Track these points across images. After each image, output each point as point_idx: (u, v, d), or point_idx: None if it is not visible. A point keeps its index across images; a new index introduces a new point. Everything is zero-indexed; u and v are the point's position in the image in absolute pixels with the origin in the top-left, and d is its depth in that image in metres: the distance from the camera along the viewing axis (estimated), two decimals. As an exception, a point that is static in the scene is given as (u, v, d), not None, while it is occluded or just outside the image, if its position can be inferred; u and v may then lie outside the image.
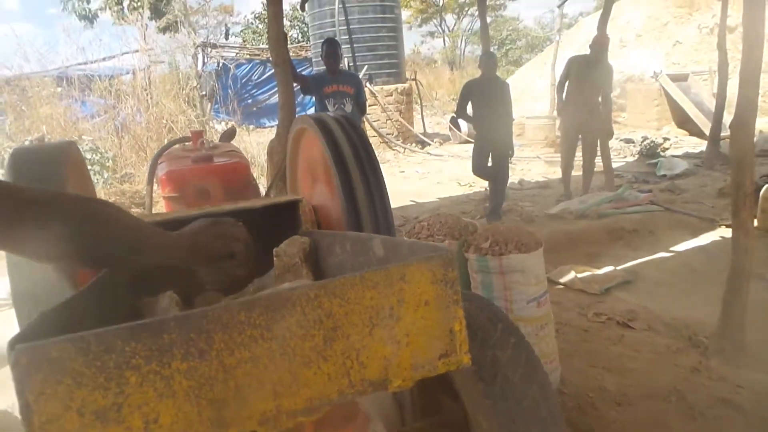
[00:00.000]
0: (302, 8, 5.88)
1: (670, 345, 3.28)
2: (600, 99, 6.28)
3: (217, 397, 0.63)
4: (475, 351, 1.69)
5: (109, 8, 13.99)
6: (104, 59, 11.71)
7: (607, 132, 6.47)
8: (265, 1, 4.22)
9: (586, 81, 6.12)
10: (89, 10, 15.49)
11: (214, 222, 1.04)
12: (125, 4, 14.25)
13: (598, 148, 6.60)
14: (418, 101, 13.47)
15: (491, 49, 6.38)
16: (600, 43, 6.19)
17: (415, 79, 13.38)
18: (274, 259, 1.23)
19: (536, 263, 2.38)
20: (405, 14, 30.74)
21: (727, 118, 11.13)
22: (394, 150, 11.47)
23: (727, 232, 4.98)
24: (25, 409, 0.56)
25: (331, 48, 5.15)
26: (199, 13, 16.67)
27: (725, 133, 9.72)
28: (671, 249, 5.10)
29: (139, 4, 13.27)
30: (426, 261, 0.74)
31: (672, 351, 3.21)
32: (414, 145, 11.91)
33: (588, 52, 6.27)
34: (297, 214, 1.51)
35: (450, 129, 12.76)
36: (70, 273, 1.23)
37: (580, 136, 6.46)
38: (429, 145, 12.02)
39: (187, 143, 2.82)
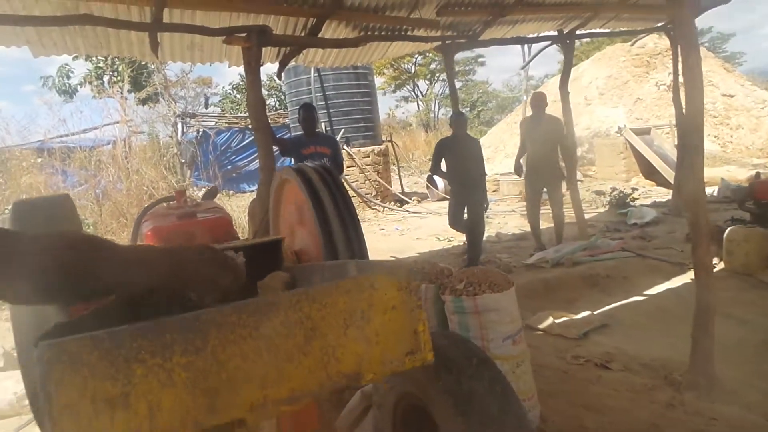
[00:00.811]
0: (279, 77, 6.14)
1: (647, 383, 3.37)
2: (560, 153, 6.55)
3: (211, 387, 0.72)
4: (451, 384, 1.79)
5: (89, 83, 14.33)
6: (84, 131, 11.92)
7: (559, 175, 6.60)
8: (243, 71, 4.47)
9: (538, 137, 6.36)
10: (69, 85, 15.84)
11: (212, 249, 1.10)
12: (105, 78, 14.62)
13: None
14: (395, 162, 13.81)
15: (462, 111, 6.69)
16: (536, 100, 6.51)
17: (390, 141, 13.77)
18: (258, 290, 1.32)
19: (509, 302, 2.49)
20: (379, 81, 31.83)
21: (691, 168, 11.57)
22: (373, 209, 11.66)
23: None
24: (46, 396, 0.65)
25: (307, 112, 5.38)
26: (178, 85, 17.13)
27: (690, 182, 10.14)
28: (645, 293, 5.25)
29: (119, 78, 13.62)
30: (391, 271, 0.85)
31: (648, 389, 3.29)
32: (393, 203, 12.13)
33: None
34: (279, 254, 1.61)
35: (427, 187, 13.05)
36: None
37: (545, 189, 6.63)
38: (407, 203, 12.25)
39: (171, 202, 2.92)
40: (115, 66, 14.77)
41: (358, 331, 0.81)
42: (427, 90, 36.27)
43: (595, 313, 4.81)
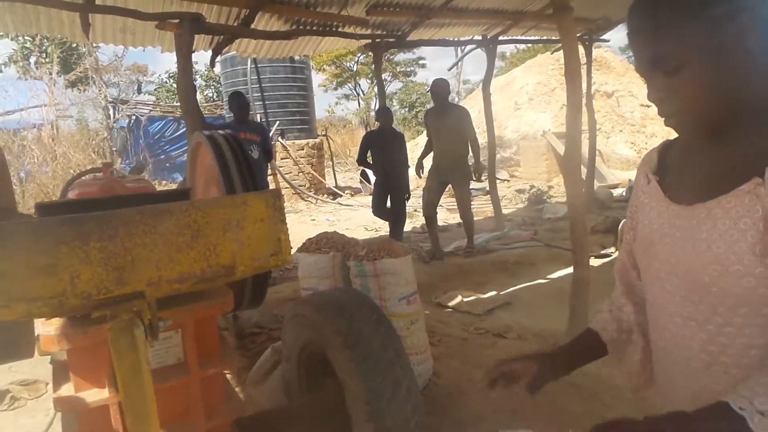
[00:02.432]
0: (212, 65, 6.27)
1: (534, 348, 3.81)
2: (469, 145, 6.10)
3: (119, 265, 0.99)
4: (343, 325, 2.11)
5: (14, 62, 13.79)
6: (8, 112, 11.52)
7: (467, 174, 6.20)
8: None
9: (441, 128, 6.02)
10: (-8, 63, 15.17)
11: None
12: (32, 59, 14.10)
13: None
14: (330, 156, 14.06)
15: (388, 106, 6.99)
16: (436, 87, 5.98)
17: (326, 135, 14.01)
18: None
19: (405, 267, 2.83)
20: (321, 77, 31.89)
21: (607, 170, 12.37)
22: (306, 201, 11.87)
23: (596, 262, 5.76)
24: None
25: (237, 99, 5.58)
26: (110, 70, 16.69)
27: (601, 183, 10.93)
28: (547, 277, 5.77)
29: (48, 60, 13.19)
30: (262, 193, 1.15)
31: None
32: (326, 196, 12.37)
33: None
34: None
35: (360, 181, 13.37)
36: None
37: (450, 185, 6.35)
38: (341, 196, 12.53)
39: (97, 174, 3.08)
40: (44, 47, 14.28)
41: (234, 235, 1.10)
42: (369, 88, 36.61)
43: (501, 293, 5.27)
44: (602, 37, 8.88)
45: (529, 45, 17.64)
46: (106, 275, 0.98)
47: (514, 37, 7.80)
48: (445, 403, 2.95)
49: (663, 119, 0.92)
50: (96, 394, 1.39)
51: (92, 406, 1.39)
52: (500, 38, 7.47)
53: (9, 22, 4.67)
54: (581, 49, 9.32)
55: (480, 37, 7.40)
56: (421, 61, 34.22)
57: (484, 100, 7.97)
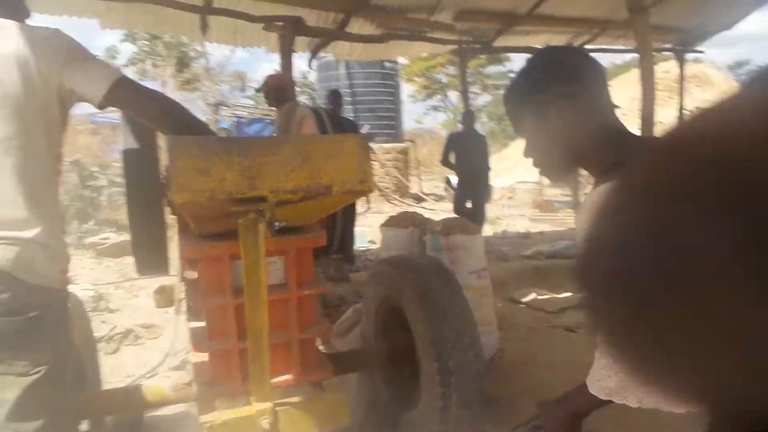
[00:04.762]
0: (309, 65, 6.81)
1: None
2: None
3: (251, 175, 1.35)
4: (416, 280, 2.41)
5: (134, 64, 15.30)
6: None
7: None
8: (276, 67, 5.07)
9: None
10: (114, 64, 16.88)
11: None
12: (149, 61, 15.59)
13: None
14: (416, 163, 14.45)
15: (471, 109, 7.23)
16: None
17: (412, 141, 14.42)
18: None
19: (476, 244, 3.09)
20: (410, 89, 32.44)
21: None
22: (391, 203, 12.29)
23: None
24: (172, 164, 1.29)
25: (333, 96, 6.05)
26: (215, 77, 18.05)
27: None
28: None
29: (164, 60, 14.53)
30: (354, 135, 1.48)
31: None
32: (410, 200, 12.74)
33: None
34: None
35: (445, 189, 13.64)
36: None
37: None
38: (425, 201, 12.86)
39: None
40: (157, 51, 15.72)
41: (332, 163, 1.43)
42: (458, 101, 36.75)
43: (576, 295, 5.34)
44: (696, 49, 8.64)
45: (626, 60, 17.22)
46: (241, 181, 1.34)
47: (602, 47, 7.81)
48: (508, 375, 3.16)
49: None
50: (218, 298, 1.77)
51: (216, 307, 1.77)
52: (587, 47, 7.51)
53: (140, 21, 5.41)
54: (673, 63, 9.10)
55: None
56: (510, 74, 33.93)
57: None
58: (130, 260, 1.99)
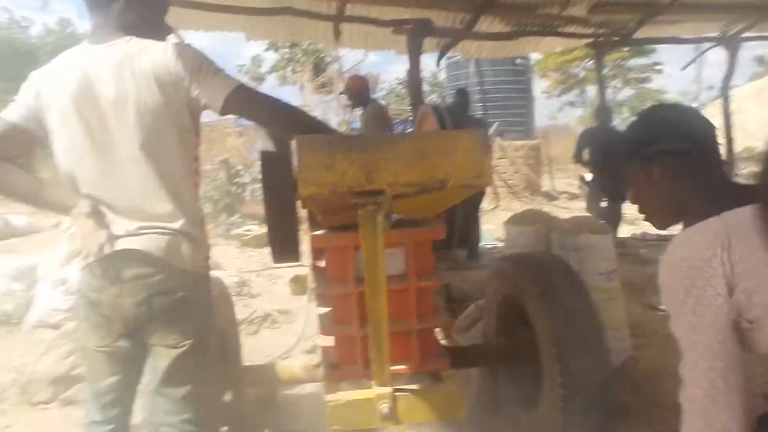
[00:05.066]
0: (438, 64, 6.89)
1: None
2: None
3: (370, 170, 1.42)
4: (539, 277, 2.37)
5: (277, 71, 16.46)
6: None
7: None
8: (405, 71, 5.20)
9: None
10: (260, 73, 18.35)
11: None
12: (289, 68, 16.67)
13: None
14: (548, 160, 13.96)
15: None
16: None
17: (544, 138, 13.95)
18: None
19: (605, 244, 2.95)
20: (544, 84, 31.27)
21: None
22: (520, 201, 12.01)
23: None
24: (299, 159, 1.41)
25: (460, 95, 6.07)
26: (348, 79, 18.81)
27: None
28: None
29: (301, 68, 15.47)
30: (469, 131, 1.51)
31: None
32: (541, 198, 12.36)
33: None
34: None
35: (579, 187, 13.04)
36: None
37: None
38: (556, 199, 12.40)
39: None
40: (296, 58, 16.75)
41: (448, 159, 1.47)
42: (596, 97, 34.82)
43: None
44: None
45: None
46: (361, 175, 1.43)
47: (764, 34, 6.97)
48: (640, 383, 2.99)
49: None
50: (342, 286, 1.90)
51: (340, 295, 1.90)
52: (743, 35, 6.77)
53: (281, 32, 5.83)
54: None
55: (719, 35, 6.79)
56: (656, 66, 31.32)
57: (723, 105, 7.26)
58: (269, 250, 2.19)
